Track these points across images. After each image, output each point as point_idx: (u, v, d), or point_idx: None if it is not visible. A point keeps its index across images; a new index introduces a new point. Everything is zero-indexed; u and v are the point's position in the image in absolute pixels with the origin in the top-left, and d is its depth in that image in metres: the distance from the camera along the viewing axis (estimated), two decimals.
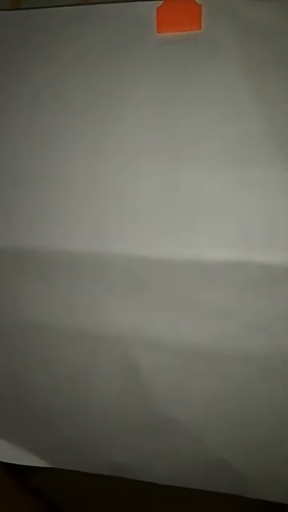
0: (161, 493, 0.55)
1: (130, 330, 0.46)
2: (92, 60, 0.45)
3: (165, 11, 0.43)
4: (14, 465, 0.56)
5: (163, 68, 0.43)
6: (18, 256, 0.47)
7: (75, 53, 0.45)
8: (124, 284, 0.45)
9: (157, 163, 0.44)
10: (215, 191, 0.43)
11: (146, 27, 0.44)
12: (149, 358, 0.47)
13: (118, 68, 0.44)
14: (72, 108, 0.46)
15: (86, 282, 0.46)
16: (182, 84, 0.43)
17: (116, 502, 0.61)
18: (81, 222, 0.45)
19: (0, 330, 0.50)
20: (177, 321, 0.45)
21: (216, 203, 0.43)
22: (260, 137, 0.42)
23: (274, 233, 0.42)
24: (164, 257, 0.44)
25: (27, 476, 0.62)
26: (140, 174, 0.44)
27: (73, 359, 0.49)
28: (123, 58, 0.44)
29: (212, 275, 0.43)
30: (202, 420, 0.47)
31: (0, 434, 0.55)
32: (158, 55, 0.43)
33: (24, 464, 0.55)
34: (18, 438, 0.55)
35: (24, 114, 0.47)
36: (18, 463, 0.55)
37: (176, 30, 0.43)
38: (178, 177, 0.43)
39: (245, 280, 0.42)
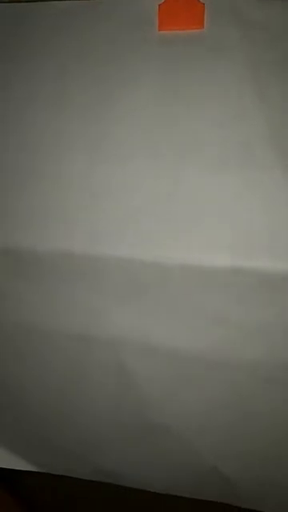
0: (154, 499, 0.54)
1: (124, 334, 0.46)
2: (91, 57, 0.44)
3: (167, 8, 0.42)
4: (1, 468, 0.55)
5: (164, 67, 0.42)
6: (13, 257, 0.46)
7: (74, 49, 0.45)
8: (120, 287, 0.45)
9: (156, 165, 0.43)
10: (214, 195, 0.42)
11: (147, 24, 0.43)
12: (143, 364, 0.46)
13: (117, 66, 0.43)
14: (70, 107, 0.45)
15: (82, 284, 0.45)
16: (182, 84, 0.42)
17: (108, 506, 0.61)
18: (78, 224, 0.45)
19: None
20: (172, 326, 0.44)
21: (215, 208, 0.42)
22: (261, 140, 0.41)
23: (274, 239, 0.41)
24: (161, 260, 0.43)
25: (17, 479, 0.61)
26: (138, 176, 0.43)
27: (65, 363, 0.48)
28: (123, 55, 0.43)
29: (209, 281, 0.42)
30: (196, 428, 0.47)
31: None
32: (159, 53, 0.43)
33: (14, 468, 0.55)
34: (7, 442, 0.54)
35: (21, 113, 0.46)
36: (8, 467, 0.55)
37: (178, 28, 0.42)
38: (177, 179, 0.42)
39: (243, 287, 0.42)
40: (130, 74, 0.43)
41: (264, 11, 0.41)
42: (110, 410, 0.49)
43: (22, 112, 0.46)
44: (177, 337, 0.44)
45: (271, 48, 0.41)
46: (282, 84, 0.41)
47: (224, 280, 0.42)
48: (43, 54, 0.45)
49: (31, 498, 0.62)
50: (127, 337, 0.46)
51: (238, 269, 0.41)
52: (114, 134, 0.44)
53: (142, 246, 0.43)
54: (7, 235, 0.46)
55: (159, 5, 0.42)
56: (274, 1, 0.40)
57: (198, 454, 0.47)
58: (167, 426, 0.47)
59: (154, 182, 0.43)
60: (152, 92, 0.43)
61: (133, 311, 0.45)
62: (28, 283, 0.47)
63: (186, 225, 0.42)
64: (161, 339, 0.45)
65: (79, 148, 0.44)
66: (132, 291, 0.44)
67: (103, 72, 0.44)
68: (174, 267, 0.42)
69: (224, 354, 0.43)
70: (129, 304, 0.45)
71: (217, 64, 0.41)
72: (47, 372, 0.49)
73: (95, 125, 0.44)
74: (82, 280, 0.45)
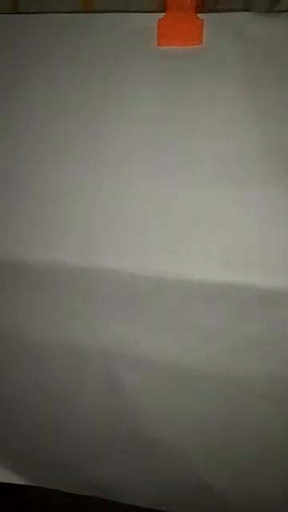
0: None
1: (116, 346, 0.45)
2: (89, 70, 0.44)
3: (166, 24, 0.42)
4: None
5: (162, 82, 0.43)
6: (7, 268, 0.46)
7: (71, 62, 0.44)
8: (115, 300, 0.44)
9: (152, 178, 0.43)
10: (210, 209, 0.42)
11: (146, 39, 0.43)
12: (135, 376, 0.46)
13: (115, 80, 0.43)
14: (66, 120, 0.45)
15: (74, 295, 0.45)
16: (179, 99, 0.42)
17: None
18: (71, 234, 0.44)
19: None
20: (165, 340, 0.44)
21: (209, 222, 0.42)
22: (257, 156, 0.41)
23: (267, 255, 0.41)
24: (155, 274, 0.43)
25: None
26: (133, 189, 0.43)
27: (57, 374, 0.48)
28: (121, 69, 0.43)
29: (202, 295, 0.42)
30: (187, 441, 0.46)
31: None
32: (157, 68, 0.43)
33: (5, 482, 0.54)
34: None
35: (16, 126, 0.46)
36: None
37: (176, 43, 0.42)
38: (172, 193, 0.42)
39: (236, 302, 0.41)
40: (127, 89, 0.43)
41: (263, 27, 0.41)
42: (101, 424, 0.48)
43: (17, 122, 0.46)
44: (169, 350, 0.44)
45: (270, 64, 0.41)
46: (279, 100, 0.41)
47: (217, 294, 0.42)
48: (40, 67, 0.45)
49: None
50: (120, 349, 0.45)
51: (231, 284, 0.41)
52: (109, 147, 0.44)
53: (137, 259, 0.43)
54: (0, 246, 0.46)
55: (158, 20, 0.42)
56: (274, 17, 0.41)
57: (191, 468, 0.47)
58: (159, 438, 0.47)
59: (149, 196, 0.43)
60: (149, 106, 0.43)
61: (128, 324, 0.45)
62: (23, 294, 0.47)
63: (180, 238, 0.42)
64: (153, 352, 0.45)
65: (73, 160, 0.44)
66: (127, 304, 0.44)
67: (101, 85, 0.44)
68: (167, 281, 0.42)
69: (216, 368, 0.43)
70: (123, 317, 0.45)
71: (215, 80, 0.41)
72: (41, 383, 0.49)
73: (91, 138, 0.44)
74: (77, 292, 0.45)
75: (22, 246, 0.46)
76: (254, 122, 0.41)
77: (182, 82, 0.42)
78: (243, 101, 0.41)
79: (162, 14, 0.42)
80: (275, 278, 0.40)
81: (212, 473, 0.47)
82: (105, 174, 0.44)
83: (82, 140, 0.44)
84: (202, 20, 0.41)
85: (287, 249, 0.40)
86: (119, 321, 0.45)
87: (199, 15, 0.41)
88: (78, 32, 0.44)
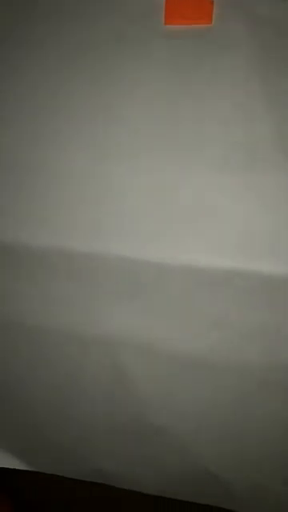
0: (149, 501, 0.54)
1: (121, 334, 0.45)
2: (93, 50, 0.43)
3: (174, 2, 0.41)
4: None
5: (169, 62, 0.41)
6: (10, 253, 0.46)
7: (76, 41, 0.43)
8: (118, 286, 0.44)
9: (158, 163, 0.42)
10: (216, 195, 0.41)
11: (154, 17, 0.41)
12: (139, 365, 0.45)
13: (120, 60, 0.42)
14: (72, 102, 0.43)
15: (79, 282, 0.45)
16: (187, 81, 0.41)
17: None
18: (77, 221, 0.44)
19: None
20: (170, 327, 0.44)
21: (216, 209, 0.41)
22: (266, 142, 0.40)
23: (275, 242, 0.40)
24: (160, 261, 0.42)
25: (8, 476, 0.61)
26: (140, 174, 0.42)
27: (61, 362, 0.48)
28: (127, 49, 0.42)
29: (209, 282, 0.41)
30: (192, 429, 0.46)
31: None
32: (165, 48, 0.41)
33: (7, 467, 0.54)
34: (1, 441, 0.54)
35: (21, 109, 0.45)
36: (2, 466, 0.54)
37: (185, 22, 0.40)
38: (179, 178, 0.42)
39: (243, 289, 0.41)
40: (133, 69, 0.42)
41: (275, 7, 0.39)
42: (105, 410, 0.48)
43: (22, 106, 0.45)
44: (174, 338, 0.44)
45: (281, 45, 0.39)
46: None
47: (224, 282, 0.41)
48: (44, 46, 0.44)
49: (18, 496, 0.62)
50: (125, 337, 0.45)
51: (239, 271, 0.40)
52: (116, 131, 0.43)
53: (141, 245, 0.42)
54: (3, 231, 0.45)
55: None
56: None
57: (194, 456, 0.47)
58: (163, 427, 0.47)
59: (156, 181, 0.42)
60: (155, 88, 0.42)
61: (131, 311, 0.44)
62: (25, 280, 0.46)
63: (187, 225, 0.41)
64: (158, 340, 0.44)
65: (80, 145, 0.43)
66: (131, 291, 0.44)
67: (105, 66, 0.43)
68: (174, 268, 0.42)
69: (222, 356, 0.43)
70: (127, 304, 0.44)
71: (224, 61, 0.40)
72: (43, 370, 0.49)
73: (97, 121, 0.43)
74: (80, 278, 0.45)
75: (24, 231, 0.45)
76: (265, 106, 0.40)
77: (190, 63, 0.41)
78: (254, 84, 0.40)
79: None
80: (281, 265, 0.40)
81: (215, 461, 0.47)
82: (109, 159, 0.43)
83: (88, 126, 0.43)
84: None
85: None
86: (122, 307, 0.44)
87: None
88: (83, 11, 0.43)
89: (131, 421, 0.47)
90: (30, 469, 0.54)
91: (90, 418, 0.49)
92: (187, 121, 0.41)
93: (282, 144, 0.39)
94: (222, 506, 0.49)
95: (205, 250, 0.41)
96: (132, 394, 0.46)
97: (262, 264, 0.40)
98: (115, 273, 0.43)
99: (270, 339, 0.42)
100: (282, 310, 0.41)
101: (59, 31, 0.43)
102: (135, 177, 0.42)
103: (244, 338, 0.42)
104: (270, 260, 0.40)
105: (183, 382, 0.45)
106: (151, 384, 0.46)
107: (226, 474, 0.47)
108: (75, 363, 0.47)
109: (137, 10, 0.42)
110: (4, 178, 0.45)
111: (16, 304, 0.47)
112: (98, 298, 0.45)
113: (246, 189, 0.40)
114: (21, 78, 0.45)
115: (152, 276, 0.43)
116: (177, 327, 0.43)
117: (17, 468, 0.54)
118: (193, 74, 0.41)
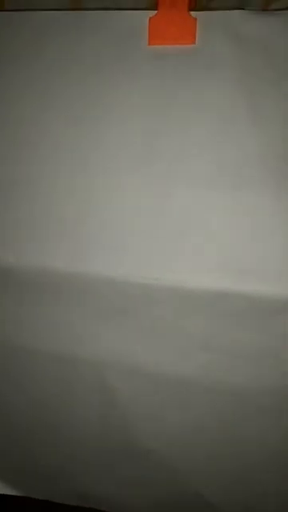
0: None
1: (108, 355, 0.44)
2: (78, 70, 0.42)
3: (157, 22, 0.40)
4: None
5: (153, 82, 0.41)
6: None
7: (61, 61, 0.43)
8: (104, 307, 0.43)
9: (143, 182, 0.42)
10: (203, 215, 0.40)
11: (137, 38, 0.41)
12: (127, 386, 0.45)
13: (105, 80, 0.42)
14: (55, 120, 0.43)
15: (65, 303, 0.44)
16: (172, 101, 0.41)
17: None
18: (61, 240, 0.43)
19: None
20: (157, 349, 0.43)
21: (203, 228, 0.40)
22: (252, 161, 0.39)
23: (262, 263, 0.39)
24: (147, 281, 0.41)
25: None
26: (126, 193, 0.42)
27: (48, 384, 0.47)
28: (111, 69, 0.42)
29: (196, 304, 0.41)
30: (179, 451, 0.46)
31: None
32: (148, 68, 0.41)
33: None
34: None
35: (3, 125, 0.44)
36: None
37: (168, 42, 0.40)
38: (165, 198, 0.41)
39: (231, 311, 0.40)
40: (117, 89, 0.42)
41: (258, 26, 0.39)
42: (93, 433, 0.48)
43: (3, 123, 0.44)
44: (162, 360, 0.43)
45: (265, 64, 0.39)
46: (276, 102, 0.39)
47: (211, 303, 0.40)
48: (26, 66, 0.44)
49: None
50: (112, 358, 0.44)
51: (225, 292, 0.40)
52: (101, 149, 0.42)
53: (127, 265, 0.42)
54: None
55: (150, 18, 0.40)
56: (269, 15, 0.39)
57: (183, 479, 0.46)
58: (153, 450, 0.46)
59: (142, 200, 0.42)
60: (140, 107, 0.41)
61: (118, 332, 0.44)
62: (11, 301, 0.46)
63: (174, 245, 0.41)
64: (146, 362, 0.44)
65: (65, 162, 0.43)
66: (116, 311, 0.43)
67: (90, 85, 0.42)
68: (161, 288, 0.41)
69: (210, 379, 0.42)
70: (114, 325, 0.44)
71: (209, 81, 0.40)
72: (31, 392, 0.48)
73: (81, 139, 0.43)
74: (65, 299, 0.44)
75: (9, 251, 0.44)
76: (250, 123, 0.39)
77: (174, 82, 0.41)
78: (239, 101, 0.39)
79: (154, 12, 0.40)
80: (270, 287, 0.39)
81: (207, 485, 0.46)
82: (94, 179, 0.42)
83: (72, 142, 0.43)
84: (195, 18, 0.40)
85: (283, 257, 0.39)
86: (109, 329, 0.44)
87: (192, 13, 0.40)
88: (67, 30, 0.42)
89: (119, 442, 0.47)
90: (17, 494, 0.53)
91: (77, 441, 0.48)
92: (172, 139, 0.41)
93: (269, 163, 0.39)
94: None
95: (191, 270, 0.41)
96: (122, 417, 0.46)
97: (251, 285, 0.39)
98: (100, 293, 0.43)
99: (258, 362, 0.41)
100: (269, 332, 0.40)
101: (44, 50, 0.43)
102: (122, 198, 0.42)
103: (232, 360, 0.41)
104: (256, 281, 0.39)
105: (170, 403, 0.44)
106: (142, 407, 0.45)
107: (215, 497, 0.46)
108: (64, 386, 0.46)
109: (121, 31, 0.42)
110: None
111: (2, 325, 0.47)
112: (85, 320, 0.44)
113: (233, 208, 0.40)
114: (1, 94, 0.44)
115: (139, 297, 0.42)
116: (164, 349, 0.43)
117: (2, 493, 0.53)
118: (177, 93, 0.41)
